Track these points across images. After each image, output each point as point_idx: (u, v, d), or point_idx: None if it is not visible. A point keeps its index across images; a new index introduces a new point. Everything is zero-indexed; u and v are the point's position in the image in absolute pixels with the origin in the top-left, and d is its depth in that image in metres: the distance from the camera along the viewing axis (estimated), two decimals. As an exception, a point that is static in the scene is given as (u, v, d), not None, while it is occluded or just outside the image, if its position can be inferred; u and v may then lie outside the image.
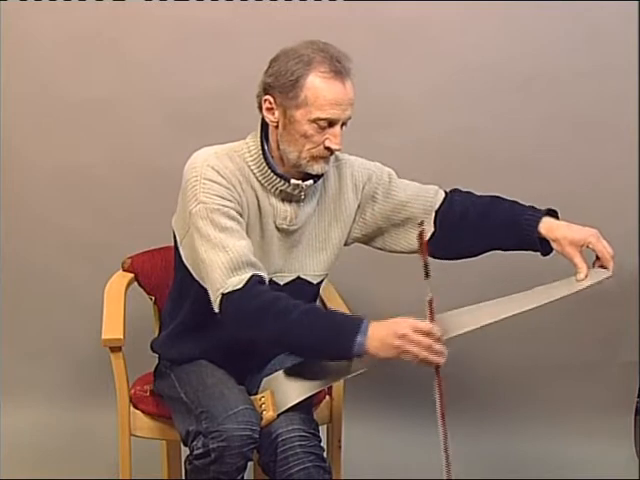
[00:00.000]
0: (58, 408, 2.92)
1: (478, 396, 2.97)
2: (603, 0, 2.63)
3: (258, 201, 1.99)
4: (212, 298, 1.89)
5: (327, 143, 1.92)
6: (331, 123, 1.91)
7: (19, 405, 2.91)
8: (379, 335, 1.79)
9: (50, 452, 2.84)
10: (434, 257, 2.11)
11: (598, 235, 1.96)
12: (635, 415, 3.00)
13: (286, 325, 1.83)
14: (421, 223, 1.91)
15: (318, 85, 1.88)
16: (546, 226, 1.98)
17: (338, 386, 2.24)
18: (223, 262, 1.87)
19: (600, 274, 1.95)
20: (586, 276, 1.93)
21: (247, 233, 1.97)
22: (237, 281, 1.86)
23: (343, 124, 1.93)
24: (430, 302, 1.81)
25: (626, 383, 2.96)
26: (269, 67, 1.94)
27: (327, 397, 2.26)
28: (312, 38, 1.95)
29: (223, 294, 1.86)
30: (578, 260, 1.94)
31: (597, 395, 2.95)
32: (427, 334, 1.77)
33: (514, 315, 1.92)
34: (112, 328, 2.16)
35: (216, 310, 1.88)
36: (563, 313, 2.83)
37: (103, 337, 2.13)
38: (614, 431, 2.95)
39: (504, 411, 2.97)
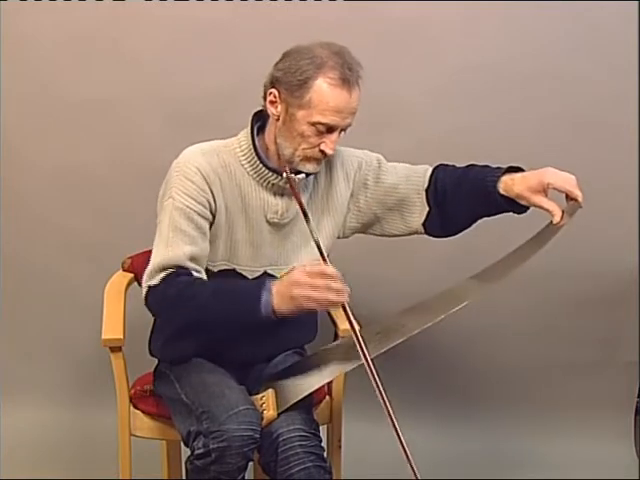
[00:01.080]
0: (58, 408, 2.92)
1: (478, 396, 2.97)
2: (603, 0, 2.63)
3: (244, 197, 2.01)
4: (142, 289, 1.96)
5: (322, 147, 1.94)
6: (330, 128, 1.92)
7: (19, 405, 2.91)
8: (279, 290, 1.83)
9: (50, 452, 2.84)
10: (432, 236, 2.12)
11: (554, 172, 1.92)
12: (635, 415, 3.00)
13: (198, 305, 1.89)
14: (289, 171, 1.93)
15: (324, 90, 1.89)
16: (504, 186, 1.96)
17: (338, 386, 2.24)
18: (160, 259, 1.93)
19: (572, 208, 1.90)
20: (562, 217, 1.90)
21: (232, 229, 2.00)
22: (162, 276, 1.92)
23: (342, 130, 1.95)
24: (317, 243, 1.85)
25: (626, 383, 2.95)
26: (280, 61, 1.95)
27: (327, 397, 2.26)
28: (312, 38, 1.95)
29: (149, 287, 1.93)
30: (548, 205, 1.91)
31: (597, 395, 2.95)
32: (322, 275, 1.80)
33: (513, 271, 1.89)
34: (112, 328, 2.16)
35: (144, 303, 1.96)
36: (563, 313, 2.84)
37: (103, 337, 2.13)
38: (614, 431, 2.95)
39: (504, 411, 2.97)
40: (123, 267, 2.39)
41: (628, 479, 2.82)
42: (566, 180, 1.91)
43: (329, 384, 2.23)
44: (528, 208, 1.98)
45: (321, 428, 2.07)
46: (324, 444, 2.02)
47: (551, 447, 2.92)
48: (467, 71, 2.70)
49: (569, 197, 1.93)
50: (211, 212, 1.98)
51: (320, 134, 1.92)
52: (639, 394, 2.99)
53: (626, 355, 2.93)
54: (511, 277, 1.88)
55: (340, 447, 2.30)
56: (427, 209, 2.09)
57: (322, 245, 1.87)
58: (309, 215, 1.88)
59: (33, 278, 2.88)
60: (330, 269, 1.81)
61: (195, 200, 1.95)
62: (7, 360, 2.93)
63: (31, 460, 2.80)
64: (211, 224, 1.99)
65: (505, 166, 2.00)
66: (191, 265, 1.93)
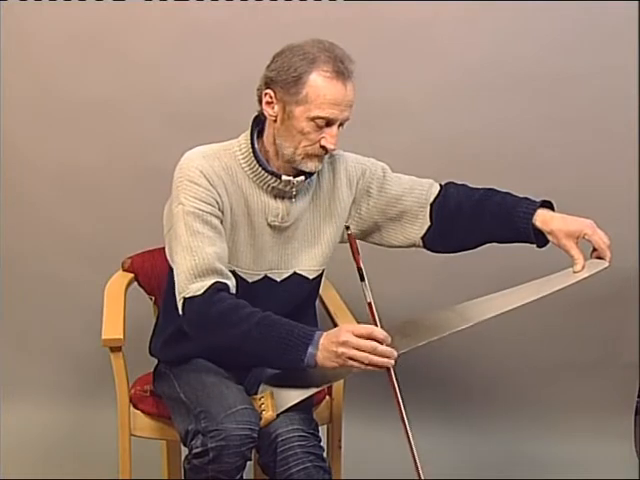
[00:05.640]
0: (58, 408, 2.92)
1: (478, 397, 2.97)
2: (603, 0, 2.63)
3: (246, 199, 2.01)
4: (177, 300, 1.94)
5: (323, 142, 1.94)
6: (329, 122, 1.92)
7: (19, 405, 2.91)
8: (325, 345, 1.82)
9: (50, 452, 2.84)
10: (432, 251, 2.13)
11: (594, 226, 1.95)
12: (635, 415, 3.00)
13: (241, 334, 1.86)
14: (347, 227, 1.96)
15: (320, 84, 1.89)
16: (541, 218, 1.97)
17: (338, 386, 2.24)
18: (188, 267, 1.91)
19: (597, 265, 1.93)
20: (583, 267, 1.92)
21: (235, 231, 2.00)
22: (199, 287, 1.90)
23: (340, 125, 1.95)
24: (370, 305, 1.84)
25: (626, 383, 2.95)
26: (272, 61, 1.95)
27: (327, 397, 2.26)
28: (312, 38, 1.95)
29: (185, 298, 1.91)
30: (575, 252, 1.93)
31: (597, 395, 2.95)
32: (369, 337, 1.79)
33: (512, 309, 1.90)
34: (112, 328, 2.16)
35: (180, 313, 1.93)
36: (563, 313, 2.84)
37: (103, 337, 2.13)
38: (614, 431, 2.95)
39: (504, 411, 2.97)
40: (123, 267, 2.39)
41: (628, 479, 2.82)
42: (602, 237, 1.94)
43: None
44: (548, 242, 1.99)
45: (321, 428, 2.06)
46: (324, 444, 2.02)
47: (551, 447, 2.92)
48: (467, 71, 2.70)
49: (596, 252, 1.95)
50: (220, 210, 1.97)
51: (319, 129, 1.92)
52: (639, 394, 2.99)
53: (626, 355, 2.93)
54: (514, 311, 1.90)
55: (340, 447, 2.30)
56: (428, 224, 2.09)
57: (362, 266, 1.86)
58: (365, 277, 1.87)
59: (33, 278, 2.88)
60: (378, 331, 1.80)
61: (204, 202, 1.94)
62: (7, 360, 2.93)
63: (31, 460, 2.80)
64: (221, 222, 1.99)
65: (539, 199, 2.00)
66: (220, 266, 1.92)
